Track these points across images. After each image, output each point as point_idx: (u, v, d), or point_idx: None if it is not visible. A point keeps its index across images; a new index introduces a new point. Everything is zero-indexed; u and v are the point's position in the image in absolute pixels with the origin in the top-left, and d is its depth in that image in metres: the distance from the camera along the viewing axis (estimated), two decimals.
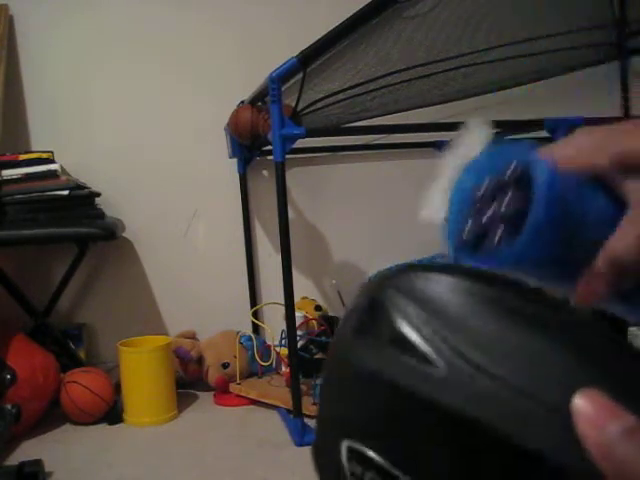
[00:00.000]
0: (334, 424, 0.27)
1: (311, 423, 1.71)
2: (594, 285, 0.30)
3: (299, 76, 1.58)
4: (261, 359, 2.04)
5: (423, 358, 0.23)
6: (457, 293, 0.24)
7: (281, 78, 1.55)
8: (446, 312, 0.24)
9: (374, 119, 2.06)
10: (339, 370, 0.27)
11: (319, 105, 1.92)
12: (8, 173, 1.93)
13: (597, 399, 0.20)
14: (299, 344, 1.80)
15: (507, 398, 0.22)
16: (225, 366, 2.07)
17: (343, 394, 0.27)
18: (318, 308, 2.16)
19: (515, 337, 0.23)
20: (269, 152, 2.23)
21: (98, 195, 2.02)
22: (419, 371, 0.23)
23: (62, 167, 2.00)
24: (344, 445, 0.25)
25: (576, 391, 0.21)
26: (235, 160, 2.30)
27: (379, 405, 0.25)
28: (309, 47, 1.49)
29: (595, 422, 0.20)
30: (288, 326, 1.64)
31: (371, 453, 0.24)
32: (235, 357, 2.06)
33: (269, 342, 2.13)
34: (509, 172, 0.32)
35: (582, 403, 0.20)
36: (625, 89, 2.61)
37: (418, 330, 0.24)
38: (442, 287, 0.25)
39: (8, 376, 1.49)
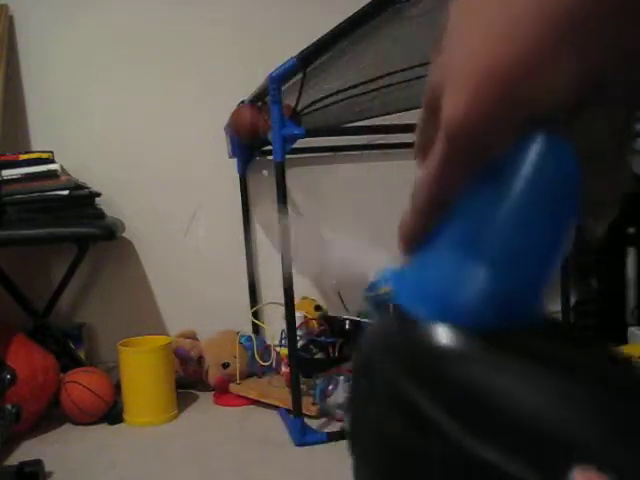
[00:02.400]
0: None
1: (311, 423, 1.71)
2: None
3: (299, 76, 1.58)
4: (261, 359, 2.04)
5: (420, 431, 0.23)
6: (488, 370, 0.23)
7: (281, 78, 1.55)
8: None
9: (374, 119, 2.06)
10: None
11: (319, 105, 1.92)
12: (8, 173, 1.93)
13: (593, 478, 0.19)
14: (299, 344, 1.80)
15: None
16: (225, 366, 2.07)
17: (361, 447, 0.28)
18: (318, 308, 2.16)
19: (519, 408, 0.21)
20: (269, 152, 2.23)
21: (98, 195, 2.02)
22: (417, 445, 0.23)
23: (62, 167, 2.00)
24: None
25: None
26: (235, 160, 2.30)
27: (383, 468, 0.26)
28: (309, 47, 1.49)
29: None
30: (288, 326, 1.64)
31: None
32: (235, 357, 2.05)
33: (269, 342, 2.13)
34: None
35: None
36: None
37: (414, 402, 0.23)
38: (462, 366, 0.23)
39: (8, 376, 1.50)
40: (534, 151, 0.24)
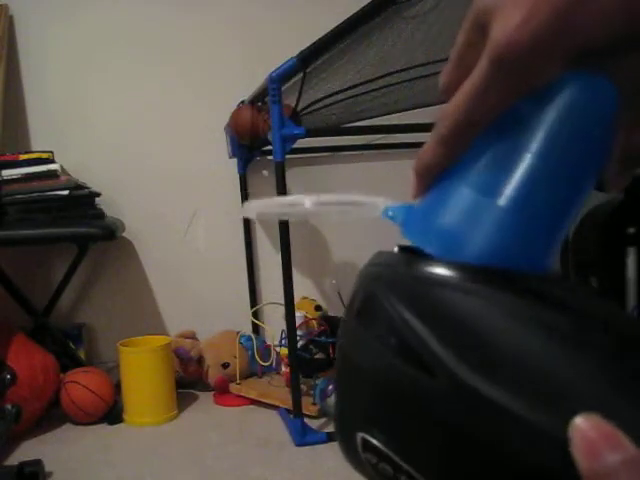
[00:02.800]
0: (349, 415, 0.27)
1: (311, 423, 1.71)
2: (618, 179, 0.27)
3: (299, 76, 1.58)
4: (261, 359, 2.04)
5: (424, 368, 0.23)
6: (468, 299, 0.23)
7: (281, 78, 1.55)
8: (453, 319, 0.23)
9: (374, 119, 2.06)
10: (344, 363, 0.27)
11: (319, 105, 1.92)
12: (8, 173, 1.92)
13: (598, 425, 0.19)
14: (299, 344, 1.80)
15: (509, 418, 0.21)
16: (225, 366, 2.07)
17: (350, 386, 0.27)
18: (318, 308, 2.16)
19: (527, 349, 0.21)
20: (269, 152, 2.23)
21: (98, 195, 2.02)
22: (420, 382, 0.23)
23: (62, 167, 2.00)
24: (359, 436, 0.25)
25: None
26: (235, 160, 2.30)
27: (381, 404, 0.24)
28: (309, 47, 1.49)
29: (593, 449, 0.18)
30: (288, 326, 1.64)
31: (379, 445, 0.24)
32: (235, 357, 2.06)
33: (269, 342, 2.13)
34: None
35: (581, 427, 0.19)
36: None
37: (419, 339, 0.23)
38: (448, 295, 0.23)
39: (8, 376, 1.50)
40: (577, 87, 0.23)
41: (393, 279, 0.25)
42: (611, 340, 0.22)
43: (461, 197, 0.25)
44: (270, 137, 1.61)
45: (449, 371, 0.22)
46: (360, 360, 0.25)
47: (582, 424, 0.19)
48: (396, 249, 0.27)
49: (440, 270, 0.24)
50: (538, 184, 0.24)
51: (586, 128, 0.24)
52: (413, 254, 0.26)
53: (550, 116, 0.23)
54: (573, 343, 0.21)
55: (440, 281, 0.24)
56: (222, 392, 2.03)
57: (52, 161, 1.98)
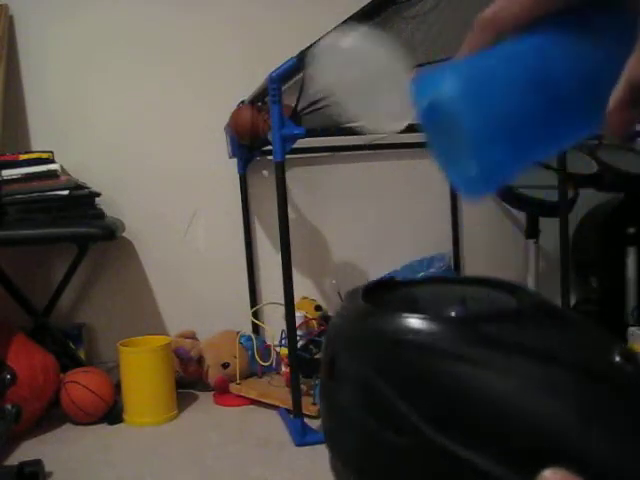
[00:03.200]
0: (335, 454, 0.29)
1: (311, 423, 1.71)
2: (622, 115, 0.28)
3: (299, 76, 1.58)
4: (261, 359, 2.04)
5: (391, 426, 0.23)
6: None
7: (281, 78, 1.55)
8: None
9: None
10: (324, 420, 0.29)
11: (319, 105, 1.92)
12: (8, 173, 1.93)
13: (565, 478, 0.19)
14: (299, 344, 1.80)
15: (478, 476, 0.21)
16: (225, 366, 2.07)
17: (334, 434, 0.28)
18: (318, 308, 2.16)
19: (490, 406, 0.21)
20: (269, 152, 2.23)
21: (98, 195, 2.02)
22: (388, 439, 0.23)
23: (62, 167, 2.00)
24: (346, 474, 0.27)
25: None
26: (235, 160, 2.30)
27: (359, 456, 0.26)
28: (309, 47, 1.49)
29: None
30: (288, 326, 1.64)
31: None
32: (235, 357, 2.06)
33: (269, 342, 2.13)
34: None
35: None
36: None
37: (385, 398, 0.23)
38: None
39: (8, 376, 1.50)
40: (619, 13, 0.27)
41: (356, 337, 0.26)
42: (574, 383, 0.21)
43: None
44: (270, 137, 1.61)
45: (415, 429, 0.22)
46: (336, 421, 0.26)
47: (550, 477, 0.19)
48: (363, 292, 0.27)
49: (399, 325, 0.24)
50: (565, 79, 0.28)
51: (617, 48, 0.27)
52: (378, 299, 0.26)
53: (600, 25, 0.28)
54: (535, 393, 0.21)
55: (400, 338, 0.24)
56: (222, 392, 2.03)
57: (52, 161, 1.98)
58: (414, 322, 0.23)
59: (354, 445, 0.25)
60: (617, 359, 0.21)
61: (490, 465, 0.20)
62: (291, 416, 1.70)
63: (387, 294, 0.27)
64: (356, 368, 0.24)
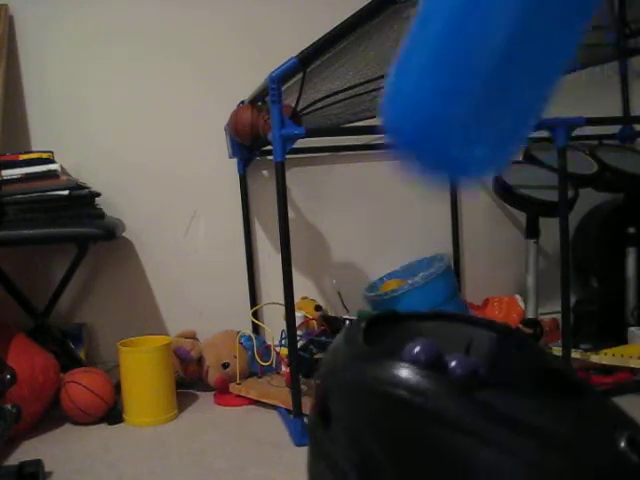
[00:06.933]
0: None
1: None
2: None
3: (299, 76, 1.58)
4: (261, 359, 2.04)
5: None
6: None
7: (281, 78, 1.55)
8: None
9: (374, 119, 2.06)
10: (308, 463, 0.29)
11: (319, 105, 1.92)
12: (8, 173, 1.93)
13: None
14: (299, 344, 1.80)
15: None
16: (225, 366, 2.07)
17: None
18: (318, 308, 2.16)
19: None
20: (269, 152, 2.24)
21: (98, 195, 2.02)
22: None
23: (62, 167, 2.00)
24: None
25: None
26: (235, 160, 2.30)
27: None
28: (309, 47, 1.49)
29: None
30: (288, 326, 1.64)
31: None
32: (235, 357, 2.06)
33: (269, 342, 2.13)
34: None
35: None
36: (625, 89, 2.61)
37: (372, 452, 0.22)
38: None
39: (8, 376, 1.50)
40: None
41: (349, 385, 0.25)
42: (569, 472, 0.21)
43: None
44: (270, 137, 1.61)
45: None
46: (323, 469, 0.26)
47: None
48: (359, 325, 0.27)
49: (393, 378, 0.23)
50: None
51: None
52: (379, 337, 0.26)
53: None
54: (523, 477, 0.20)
55: (392, 393, 0.23)
56: (222, 392, 2.04)
57: (52, 161, 1.98)
58: (409, 375, 0.22)
59: None
60: (622, 445, 0.20)
61: None
62: (291, 416, 1.70)
63: (389, 330, 0.26)
64: (347, 419, 0.24)
